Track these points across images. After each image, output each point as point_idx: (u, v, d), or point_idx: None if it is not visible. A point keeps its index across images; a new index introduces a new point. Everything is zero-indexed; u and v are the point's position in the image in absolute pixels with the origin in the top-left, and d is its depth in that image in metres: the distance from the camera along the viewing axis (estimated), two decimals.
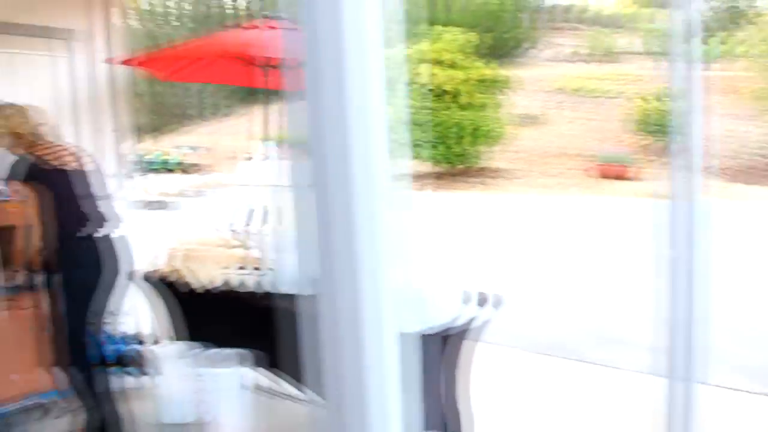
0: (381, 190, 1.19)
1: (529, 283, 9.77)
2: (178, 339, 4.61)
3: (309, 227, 1.18)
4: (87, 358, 4.00)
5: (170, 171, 25.92)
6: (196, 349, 4.30)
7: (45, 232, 3.68)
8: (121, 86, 5.35)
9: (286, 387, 4.20)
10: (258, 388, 4.32)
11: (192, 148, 31.14)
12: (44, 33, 4.90)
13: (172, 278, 4.32)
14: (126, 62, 5.19)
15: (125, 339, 4.84)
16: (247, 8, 44.47)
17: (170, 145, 29.96)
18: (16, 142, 3.74)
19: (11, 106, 3.83)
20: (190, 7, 47.22)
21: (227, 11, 46.17)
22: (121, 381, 4.74)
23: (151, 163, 25.21)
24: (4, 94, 4.62)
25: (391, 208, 1.20)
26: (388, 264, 1.19)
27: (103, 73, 5.26)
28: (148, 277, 4.64)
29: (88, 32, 5.17)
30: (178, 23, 43.01)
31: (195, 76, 5.62)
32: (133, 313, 5.51)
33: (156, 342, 5.63)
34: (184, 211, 15.94)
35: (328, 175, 1.17)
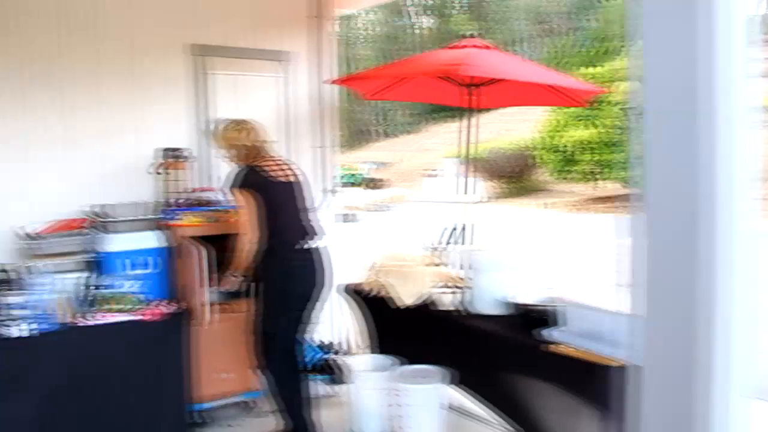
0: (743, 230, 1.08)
1: None
2: (374, 351, 4.72)
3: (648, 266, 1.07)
4: (297, 364, 4.19)
5: (356, 185, 26.78)
6: (391, 362, 4.37)
7: (263, 241, 3.87)
8: (329, 105, 5.59)
9: (479, 408, 4.17)
10: (452, 407, 4.30)
11: (377, 163, 32.03)
12: (265, 56, 5.25)
13: (373, 292, 4.42)
14: (335, 82, 5.44)
15: (322, 347, 5.02)
16: (432, 29, 45.16)
17: (357, 161, 30.96)
18: (244, 154, 4.00)
19: (245, 121, 4.13)
20: (378, 29, 48.79)
21: (414, 32, 47.26)
22: (316, 388, 4.94)
23: (340, 177, 26.10)
24: (231, 112, 5.00)
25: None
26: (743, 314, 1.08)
27: (314, 93, 5.53)
28: (348, 289, 4.79)
29: (301, 54, 5.47)
30: (370, 45, 44.59)
31: (398, 95, 5.75)
32: (331, 322, 5.72)
33: (351, 353, 5.80)
34: (370, 225, 16.36)
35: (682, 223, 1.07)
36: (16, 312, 3.71)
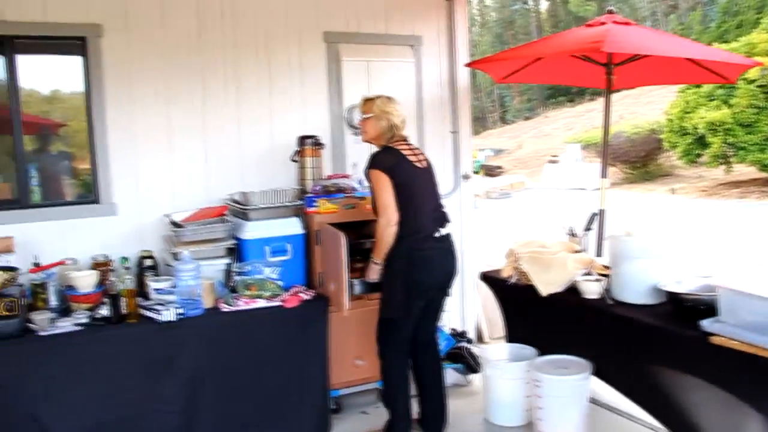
0: None
1: None
2: (511, 340, 4.57)
3: None
4: (436, 353, 4.12)
5: (475, 173, 26.58)
6: (529, 352, 4.22)
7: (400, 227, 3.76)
8: (463, 89, 5.46)
9: (621, 401, 3.97)
10: (594, 401, 4.11)
11: (494, 150, 31.63)
12: (396, 41, 5.18)
13: (512, 279, 4.27)
14: (472, 64, 5.30)
15: (454, 335, 4.92)
16: (549, 12, 44.04)
17: (474, 147, 30.74)
18: (386, 129, 3.86)
19: (394, 98, 4.01)
20: (494, 14, 48.00)
21: (530, 16, 46.27)
22: (449, 376, 4.86)
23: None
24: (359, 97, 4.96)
25: None
26: None
27: (446, 77, 5.41)
28: (485, 276, 4.66)
29: (432, 38, 5.36)
30: (486, 31, 43.92)
31: (530, 77, 5.55)
32: (462, 310, 5.63)
33: (484, 341, 5.69)
34: (492, 212, 16.11)
35: None
36: (164, 297, 3.82)
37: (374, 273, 3.83)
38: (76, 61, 4.39)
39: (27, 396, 3.40)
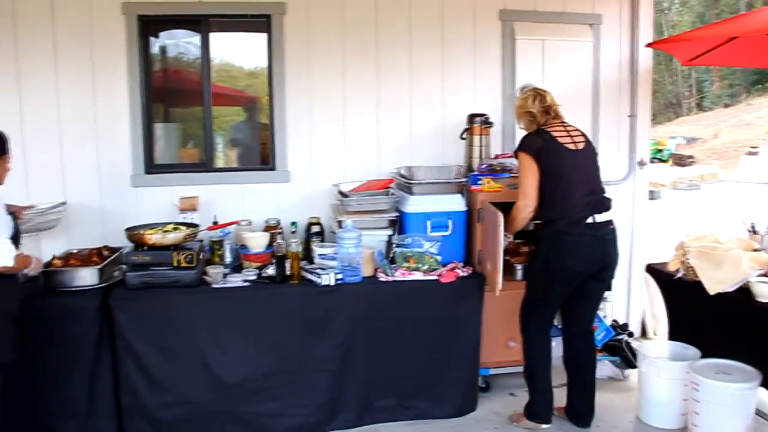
0: None
1: None
2: (673, 338, 4.31)
3: None
4: (591, 343, 3.98)
5: (662, 161, 25.07)
6: (692, 352, 3.95)
7: (544, 209, 3.70)
8: (643, 71, 5.17)
9: None
10: (760, 413, 3.79)
11: (686, 138, 29.69)
12: (574, 19, 4.99)
13: (679, 274, 4.02)
14: (654, 45, 4.99)
15: (614, 327, 4.71)
16: None
17: (664, 135, 28.94)
18: (529, 120, 3.81)
19: (534, 88, 3.92)
20: None
21: None
22: (605, 369, 4.68)
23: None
24: (536, 78, 4.86)
25: None
26: None
27: (626, 58, 5.15)
28: (651, 269, 4.43)
29: (613, 18, 5.10)
30: (686, 11, 41.00)
31: (723, 59, 5.11)
32: (627, 302, 5.39)
33: (647, 336, 5.41)
34: (676, 203, 15.16)
35: None
36: (326, 262, 3.98)
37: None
38: (260, 38, 4.67)
39: (198, 341, 3.72)
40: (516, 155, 3.76)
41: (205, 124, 4.64)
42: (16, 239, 3.19)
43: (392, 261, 4.08)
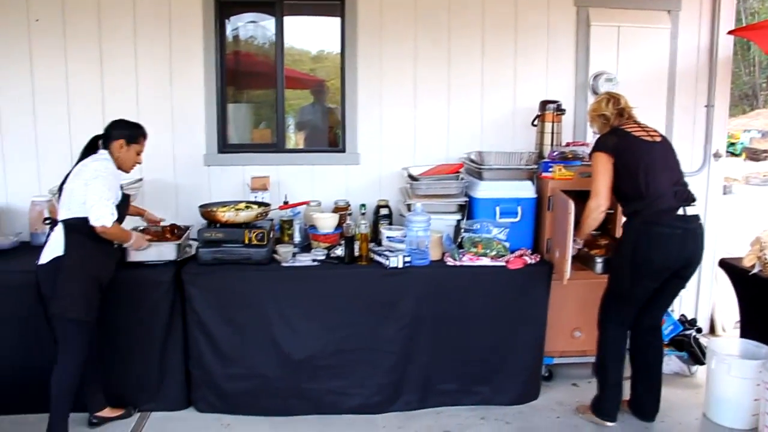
0: None
1: None
2: (744, 335, 4.18)
3: None
4: (660, 339, 3.89)
5: (735, 155, 24.17)
6: (765, 351, 3.82)
7: (631, 203, 3.59)
8: (723, 60, 5.00)
9: None
10: None
11: (762, 132, 28.59)
12: (652, 5, 4.85)
13: (755, 270, 3.90)
14: (736, 32, 4.83)
15: (683, 322, 4.59)
16: None
17: (738, 128, 27.89)
18: (602, 124, 3.76)
19: (607, 92, 3.88)
20: None
21: None
22: (672, 364, 4.59)
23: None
24: (610, 66, 4.76)
25: None
26: None
27: (704, 46, 4.98)
28: (724, 264, 4.30)
29: (693, 4, 4.94)
30: None
31: None
32: (697, 297, 5.25)
33: (718, 333, 5.27)
34: (751, 199, 14.61)
35: None
36: (394, 245, 3.99)
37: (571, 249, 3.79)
38: (334, 22, 4.69)
39: (266, 317, 3.79)
40: (590, 157, 3.70)
41: (277, 106, 4.70)
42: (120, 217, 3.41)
43: (460, 246, 4.05)
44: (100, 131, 3.49)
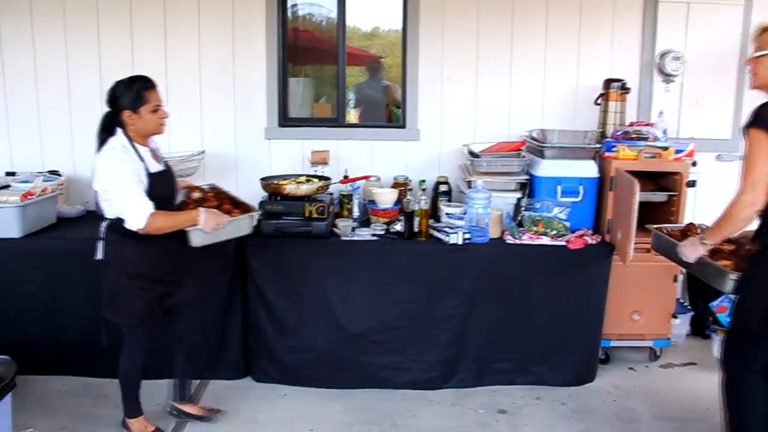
0: None
1: None
2: None
3: None
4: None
5: None
6: None
7: None
8: None
9: None
10: None
11: None
12: None
13: None
14: None
15: None
16: None
17: None
18: None
19: None
20: None
21: None
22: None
23: None
24: (678, 45, 4.54)
25: None
26: None
27: None
28: None
29: None
30: None
31: None
32: None
33: None
34: None
35: None
36: (454, 221, 3.88)
37: (693, 252, 2.87)
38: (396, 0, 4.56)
39: (325, 290, 3.73)
40: (748, 131, 2.65)
41: (338, 81, 4.61)
42: (167, 200, 3.04)
43: (520, 224, 3.93)
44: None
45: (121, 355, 3.16)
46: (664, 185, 4.09)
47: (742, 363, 2.80)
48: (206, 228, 2.96)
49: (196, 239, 3.01)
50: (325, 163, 4.28)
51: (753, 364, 2.75)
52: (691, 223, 3.32)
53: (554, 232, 3.84)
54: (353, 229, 3.86)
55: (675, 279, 4.11)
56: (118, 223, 2.89)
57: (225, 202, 3.36)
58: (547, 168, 3.96)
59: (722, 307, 4.25)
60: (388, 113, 4.96)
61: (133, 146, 2.92)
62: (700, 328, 4.63)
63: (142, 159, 2.93)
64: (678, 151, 3.98)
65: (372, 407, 3.68)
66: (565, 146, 3.98)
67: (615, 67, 4.58)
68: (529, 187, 4.05)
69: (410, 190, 4.24)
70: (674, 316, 4.24)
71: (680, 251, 2.94)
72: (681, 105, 4.66)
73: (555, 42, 4.56)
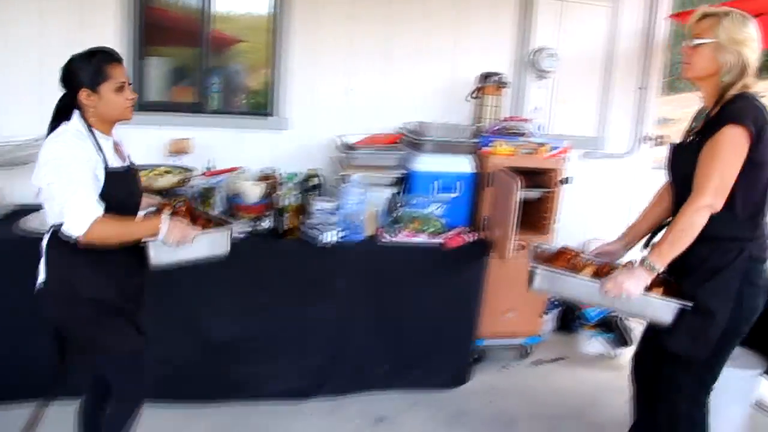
0: None
1: None
2: None
3: None
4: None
5: None
6: None
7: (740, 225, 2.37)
8: (660, 43, 4.81)
9: None
10: (760, 405, 3.54)
11: (658, 119, 29.52)
12: None
13: None
14: (676, 16, 4.63)
15: None
16: None
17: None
18: (729, 74, 2.31)
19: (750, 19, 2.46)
20: None
21: None
22: (596, 345, 4.42)
23: None
24: (551, 41, 4.48)
25: None
26: None
27: (643, 28, 4.77)
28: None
29: None
30: None
31: None
32: None
33: None
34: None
35: None
36: (326, 218, 3.58)
37: (637, 285, 2.30)
38: None
39: (186, 297, 3.29)
40: (723, 129, 2.25)
41: (201, 64, 4.17)
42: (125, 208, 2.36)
43: (396, 221, 3.70)
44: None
45: (111, 414, 2.53)
46: (538, 182, 4.00)
47: (699, 389, 2.55)
48: (168, 240, 2.31)
49: (157, 256, 2.34)
50: (185, 152, 3.85)
51: (710, 386, 2.55)
52: (564, 247, 2.74)
53: (431, 229, 3.65)
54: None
55: None
56: (57, 233, 2.23)
57: (199, 219, 2.71)
58: (424, 163, 3.77)
59: None
60: (259, 101, 4.56)
61: (92, 133, 2.30)
62: (566, 323, 4.64)
63: (100, 149, 2.28)
64: (554, 148, 3.91)
65: (241, 424, 3.33)
66: (444, 141, 3.79)
67: (491, 61, 4.45)
68: (405, 182, 3.82)
69: (280, 183, 3.89)
70: (545, 313, 4.20)
71: (613, 289, 2.32)
72: (552, 102, 4.63)
73: (432, 32, 4.37)
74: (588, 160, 4.77)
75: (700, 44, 2.34)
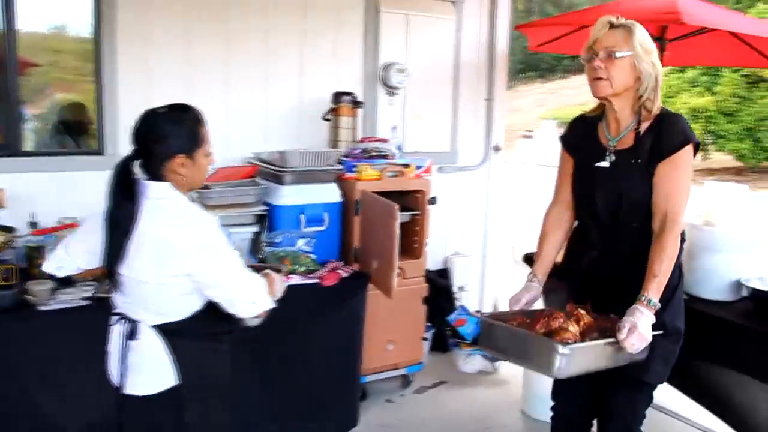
0: None
1: None
2: None
3: None
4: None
5: None
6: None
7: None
8: (501, 54, 4.78)
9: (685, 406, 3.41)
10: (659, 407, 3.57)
11: None
12: None
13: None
14: (520, 27, 4.62)
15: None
16: None
17: None
18: (645, 89, 2.18)
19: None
20: None
21: None
22: (476, 363, 4.35)
23: None
24: (399, 55, 4.29)
25: None
26: None
27: (485, 40, 4.72)
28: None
29: None
30: None
31: (568, 47, 4.86)
32: (482, 290, 5.08)
33: None
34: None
35: None
36: None
37: (649, 326, 2.09)
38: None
39: (24, 380, 2.68)
40: (671, 152, 2.16)
41: (9, 96, 3.47)
42: None
43: (263, 262, 3.29)
44: None
45: None
46: (405, 204, 3.77)
47: (647, 407, 2.42)
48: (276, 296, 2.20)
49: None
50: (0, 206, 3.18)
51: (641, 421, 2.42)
52: (501, 312, 2.54)
53: (303, 268, 3.30)
54: (53, 292, 2.86)
55: (424, 301, 3.84)
56: (194, 324, 2.01)
57: None
58: (288, 195, 3.40)
59: (461, 320, 4.09)
60: (91, 135, 3.92)
61: None
62: (440, 343, 4.47)
63: None
64: (418, 167, 3.71)
65: None
66: (308, 170, 3.44)
67: (340, 79, 4.17)
68: (268, 218, 3.42)
69: None
70: (424, 339, 3.99)
71: (638, 342, 2.06)
72: (405, 118, 4.43)
73: (276, 52, 4.00)
74: (443, 175, 4.63)
75: (622, 57, 2.15)
